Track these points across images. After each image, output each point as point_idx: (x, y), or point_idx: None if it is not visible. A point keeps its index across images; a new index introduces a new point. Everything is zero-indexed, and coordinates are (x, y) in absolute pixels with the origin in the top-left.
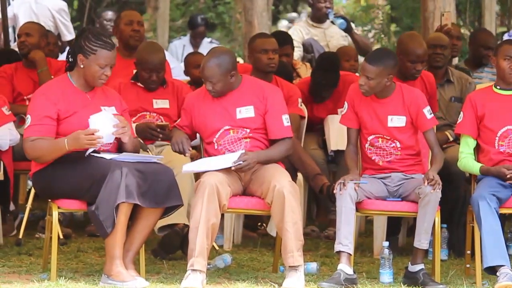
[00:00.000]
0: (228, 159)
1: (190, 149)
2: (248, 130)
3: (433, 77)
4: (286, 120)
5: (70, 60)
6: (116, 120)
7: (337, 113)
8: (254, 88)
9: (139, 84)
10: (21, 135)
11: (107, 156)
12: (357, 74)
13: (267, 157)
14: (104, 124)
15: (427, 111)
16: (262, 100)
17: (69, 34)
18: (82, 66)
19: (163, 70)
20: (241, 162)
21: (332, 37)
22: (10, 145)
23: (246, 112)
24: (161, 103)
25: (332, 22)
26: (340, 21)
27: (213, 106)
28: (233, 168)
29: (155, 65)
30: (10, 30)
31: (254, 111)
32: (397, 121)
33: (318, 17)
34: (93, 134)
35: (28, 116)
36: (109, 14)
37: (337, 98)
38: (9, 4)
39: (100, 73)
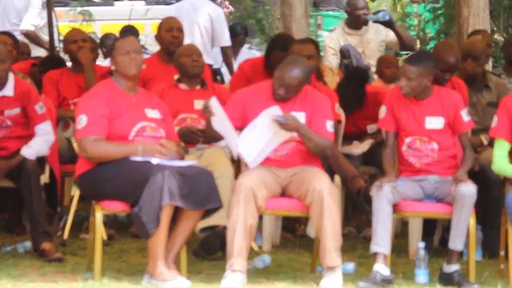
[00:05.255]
0: (268, 121)
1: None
2: (296, 135)
3: (464, 84)
4: (330, 126)
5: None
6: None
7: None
8: (307, 96)
9: (180, 86)
10: (67, 138)
11: (154, 161)
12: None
13: (308, 134)
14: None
15: (464, 114)
16: (312, 106)
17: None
18: (114, 67)
19: (202, 58)
20: (282, 120)
21: (369, 43)
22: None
23: (297, 118)
24: (202, 104)
25: (377, 21)
26: (382, 13)
27: (268, 106)
28: (273, 118)
29: (194, 49)
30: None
31: (305, 118)
32: (435, 122)
33: (356, 24)
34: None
35: (83, 116)
36: None
37: (364, 114)
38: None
39: (126, 60)
